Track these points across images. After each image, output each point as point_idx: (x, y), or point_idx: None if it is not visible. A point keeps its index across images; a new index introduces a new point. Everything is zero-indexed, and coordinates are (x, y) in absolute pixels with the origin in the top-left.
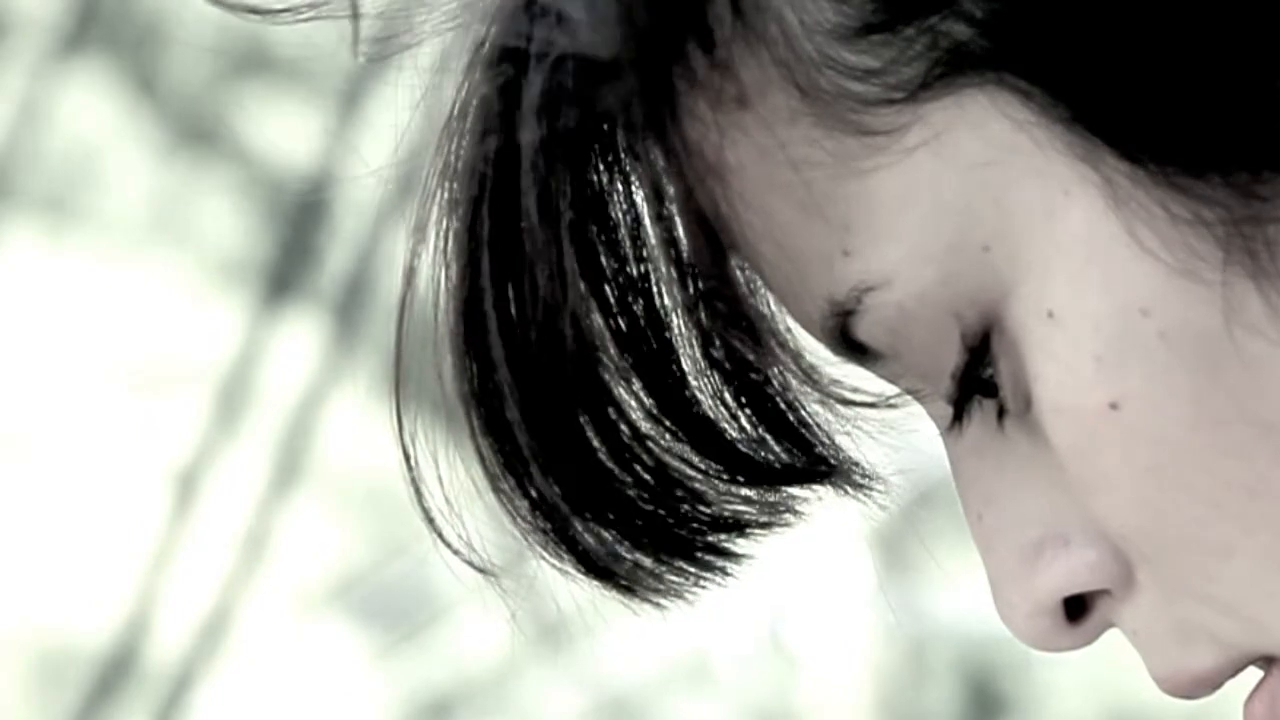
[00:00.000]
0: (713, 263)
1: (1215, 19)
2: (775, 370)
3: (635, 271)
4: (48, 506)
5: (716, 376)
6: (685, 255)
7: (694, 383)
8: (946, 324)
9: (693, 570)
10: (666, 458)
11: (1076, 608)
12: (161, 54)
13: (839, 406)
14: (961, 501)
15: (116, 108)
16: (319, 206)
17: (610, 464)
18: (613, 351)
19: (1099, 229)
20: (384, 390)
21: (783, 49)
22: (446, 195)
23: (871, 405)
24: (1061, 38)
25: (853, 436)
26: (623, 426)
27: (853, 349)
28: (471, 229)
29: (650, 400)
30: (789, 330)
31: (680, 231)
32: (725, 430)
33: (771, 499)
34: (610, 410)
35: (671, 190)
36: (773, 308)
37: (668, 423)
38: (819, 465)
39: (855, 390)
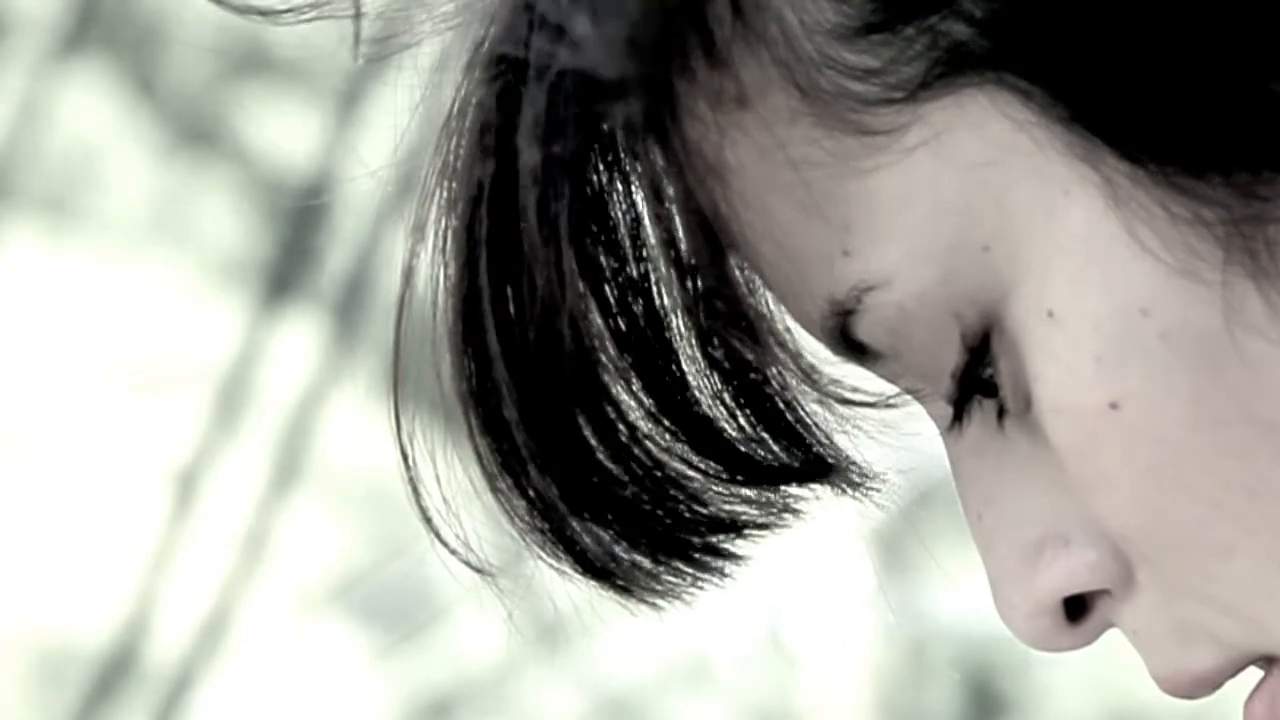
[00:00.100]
0: (712, 262)
1: (1215, 19)
2: (774, 370)
3: (635, 271)
4: (48, 506)
5: (715, 376)
6: (685, 255)
7: (693, 382)
8: (946, 324)
9: (690, 571)
10: (664, 457)
11: (1077, 608)
12: (161, 54)
13: (838, 406)
14: (961, 501)
15: (116, 108)
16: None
17: (608, 464)
18: (612, 351)
19: (1099, 229)
20: (384, 390)
21: (783, 49)
22: (445, 194)
23: (871, 405)
24: (1061, 37)
25: (852, 436)
26: (621, 426)
27: (853, 349)
28: (470, 228)
29: (649, 400)
30: (788, 330)
31: (680, 231)
32: (724, 430)
33: (769, 499)
34: (608, 410)
35: (671, 190)
36: (772, 307)
37: (666, 422)
38: (817, 465)
39: (855, 390)
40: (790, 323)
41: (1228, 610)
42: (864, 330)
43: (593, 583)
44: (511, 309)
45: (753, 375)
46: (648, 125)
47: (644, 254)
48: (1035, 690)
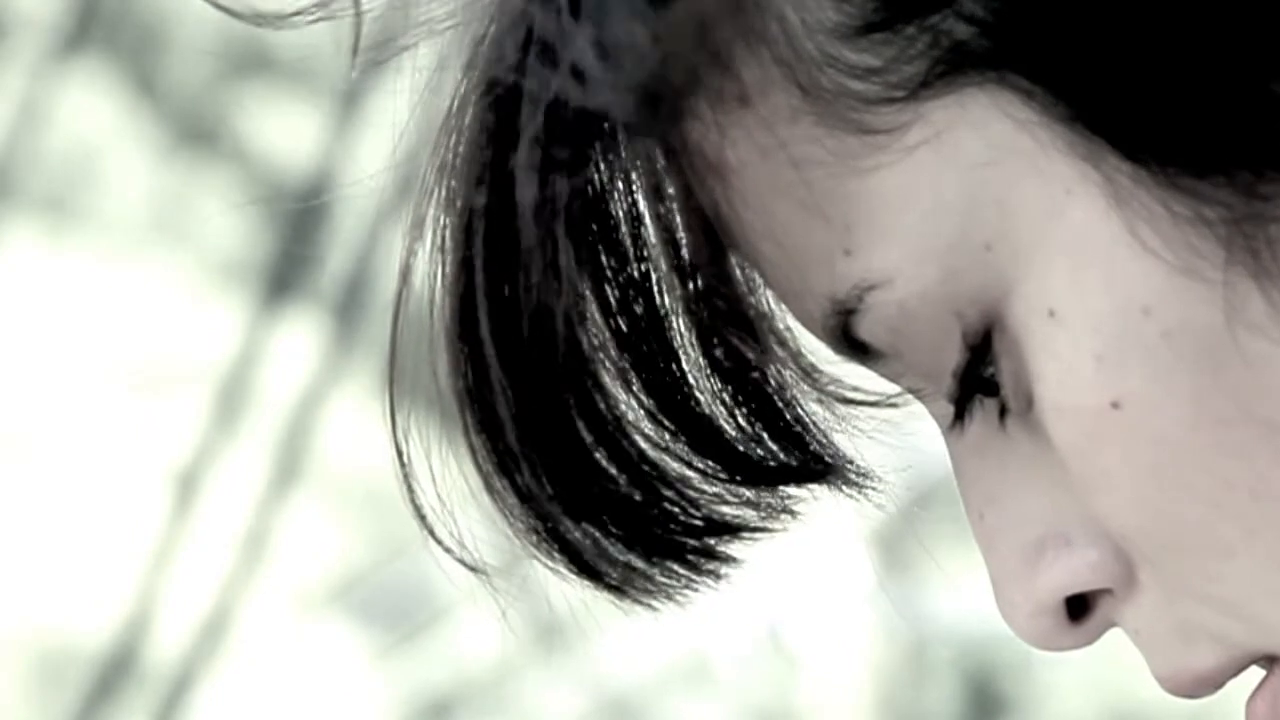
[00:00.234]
0: (713, 261)
1: (1217, 18)
2: (774, 369)
3: (635, 270)
4: (48, 506)
5: (715, 375)
6: (685, 254)
7: (692, 382)
8: (948, 323)
9: (684, 572)
10: (662, 457)
11: (1078, 607)
12: (161, 54)
13: (838, 405)
14: (963, 500)
15: (116, 108)
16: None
17: (603, 463)
18: (611, 351)
19: (1100, 228)
20: (381, 389)
21: (784, 48)
22: (444, 192)
23: (872, 404)
24: (1063, 37)
25: (852, 436)
26: (617, 426)
27: (854, 348)
28: (468, 226)
29: (648, 399)
30: (789, 329)
31: (680, 230)
32: (723, 429)
33: (767, 500)
34: (604, 409)
35: (672, 189)
36: (773, 306)
37: (665, 422)
38: (816, 465)
39: (855, 389)
40: (791, 322)
41: (1229, 610)
42: (865, 329)
43: (587, 583)
44: (508, 308)
45: (753, 375)
46: (648, 126)
47: (644, 253)
48: (1036, 690)
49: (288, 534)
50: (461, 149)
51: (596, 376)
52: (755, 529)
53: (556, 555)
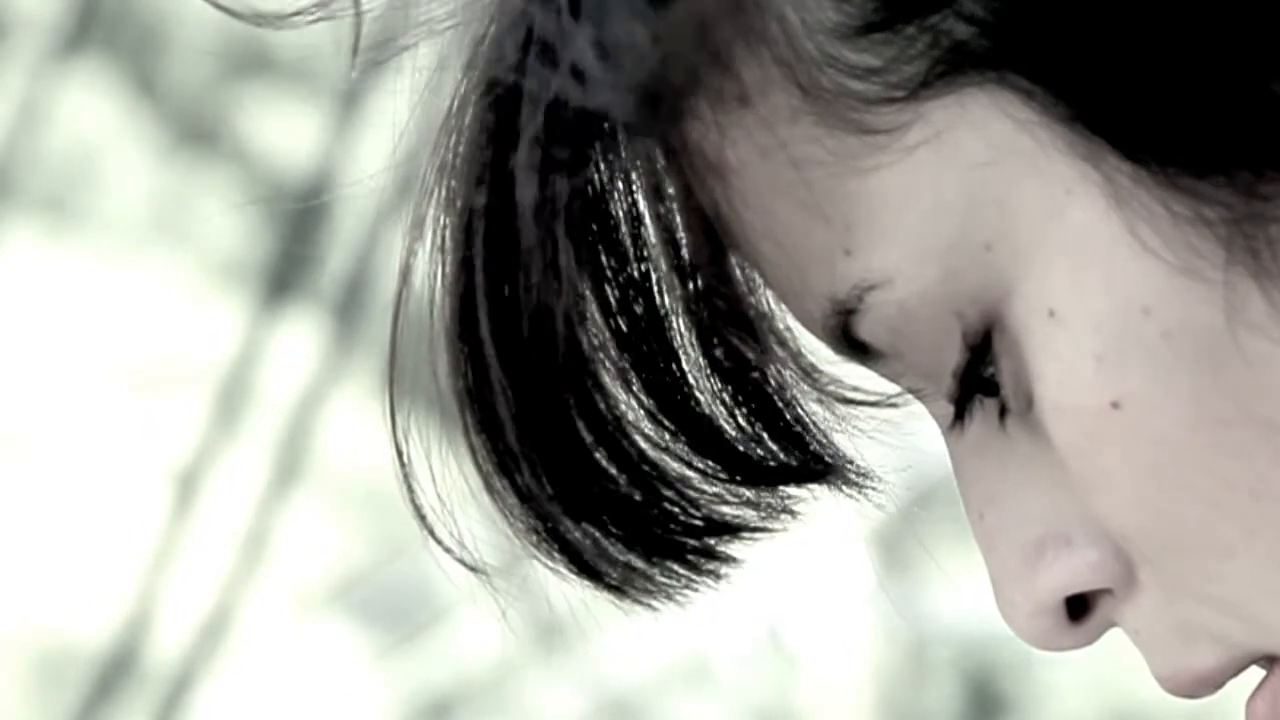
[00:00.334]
0: (713, 261)
1: (1217, 18)
2: (774, 369)
3: (635, 270)
4: (48, 506)
5: (715, 375)
6: (685, 254)
7: (692, 382)
8: (948, 323)
9: (684, 573)
10: (661, 457)
11: (1078, 607)
12: (161, 54)
13: (838, 406)
14: (963, 500)
15: (116, 108)
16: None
17: (603, 463)
18: (611, 351)
19: (1100, 228)
20: (382, 389)
21: (784, 48)
22: (443, 192)
23: (872, 404)
24: (1063, 37)
25: (852, 436)
26: (617, 425)
27: (854, 348)
28: (468, 225)
29: (648, 399)
30: (789, 329)
31: (680, 230)
32: (723, 429)
33: (766, 500)
34: (604, 409)
35: (672, 189)
36: (773, 306)
37: (665, 422)
38: (816, 465)
39: (855, 389)
40: (791, 322)
41: (1229, 610)
42: (865, 329)
43: (587, 583)
44: (508, 307)
45: (753, 375)
46: (648, 126)
47: (644, 253)
48: (1036, 690)
49: (288, 534)
50: (461, 149)
51: (596, 376)
52: (755, 529)
53: (556, 555)
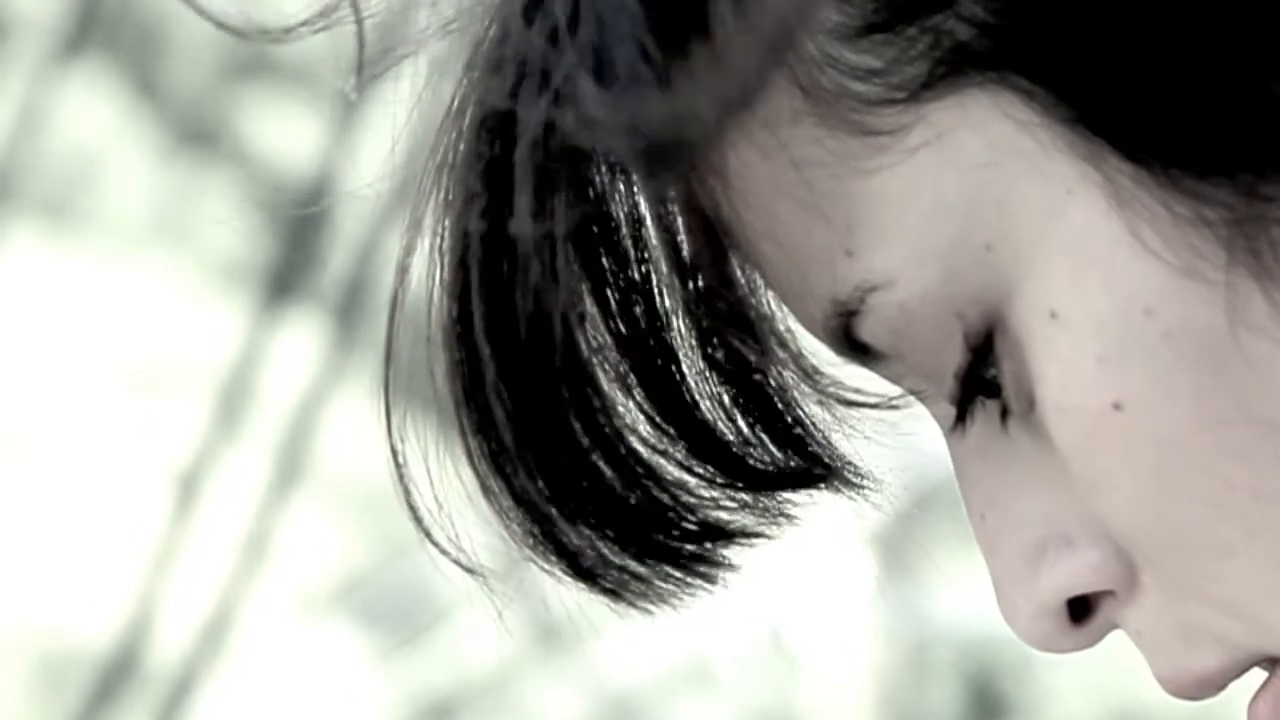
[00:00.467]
0: (714, 263)
1: (1218, 19)
2: (775, 371)
3: (635, 273)
4: (49, 508)
5: (715, 378)
6: (686, 255)
7: (692, 385)
8: (949, 324)
9: (679, 576)
10: (659, 460)
11: (1080, 609)
12: (162, 56)
13: (840, 408)
14: (965, 502)
15: (117, 110)
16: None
17: (600, 466)
18: (610, 353)
19: (1101, 229)
20: (378, 390)
21: (785, 49)
22: (442, 192)
23: (873, 406)
24: (1063, 38)
25: (853, 438)
26: (614, 428)
27: (856, 349)
28: (466, 226)
29: (646, 402)
30: (790, 331)
31: (682, 232)
32: (722, 433)
33: (764, 504)
34: (601, 412)
35: (673, 190)
36: (774, 308)
37: (663, 425)
38: (816, 468)
39: (856, 391)
40: (792, 324)
41: (1231, 611)
42: (867, 331)
43: (582, 586)
44: (505, 309)
45: (753, 377)
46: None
47: (645, 255)
48: (1037, 692)
49: (289, 536)
50: (461, 150)
51: (594, 379)
52: (752, 534)
53: (552, 558)
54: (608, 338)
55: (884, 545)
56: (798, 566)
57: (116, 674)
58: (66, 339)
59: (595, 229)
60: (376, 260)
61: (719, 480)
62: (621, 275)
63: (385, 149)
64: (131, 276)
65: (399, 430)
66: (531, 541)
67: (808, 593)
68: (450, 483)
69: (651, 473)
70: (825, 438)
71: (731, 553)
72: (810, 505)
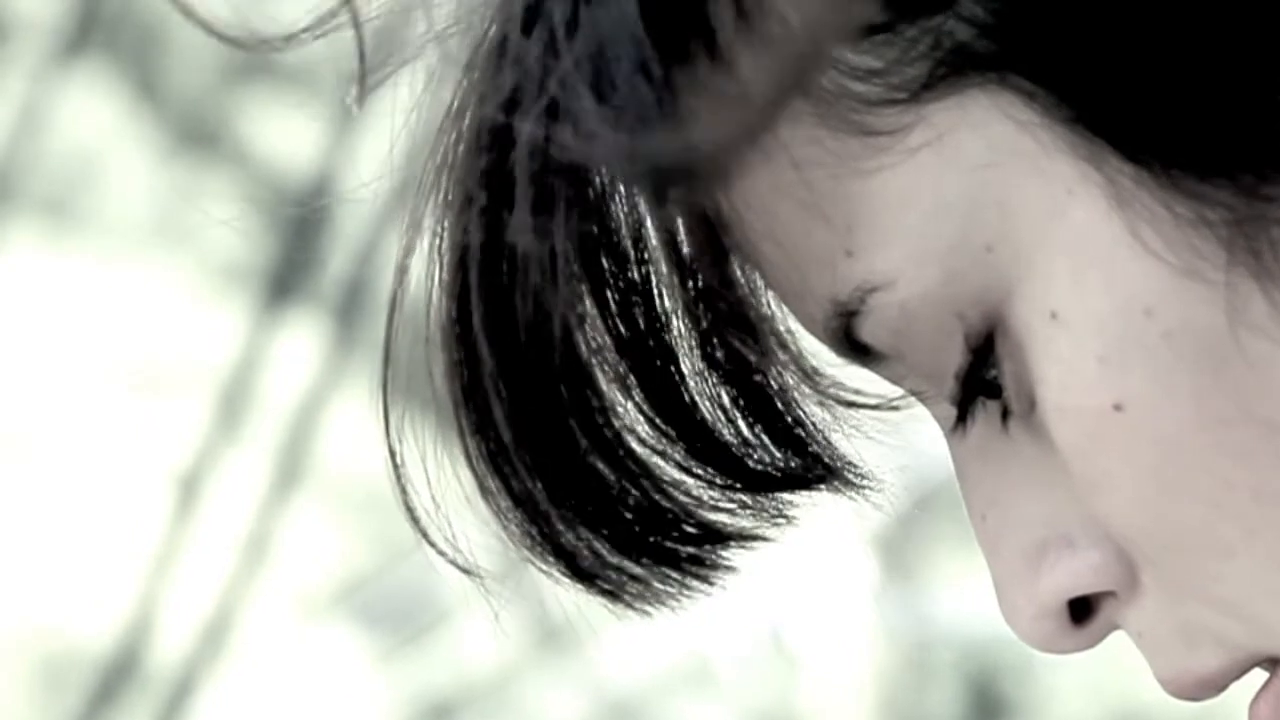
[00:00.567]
0: (714, 263)
1: (1219, 20)
2: (775, 372)
3: (635, 273)
4: (49, 509)
5: (715, 378)
6: (687, 256)
7: (692, 386)
8: (950, 325)
9: (678, 578)
10: (658, 462)
11: (1081, 610)
12: (162, 57)
13: (840, 409)
14: (966, 503)
15: (117, 111)
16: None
17: (599, 466)
18: (609, 354)
19: (1101, 230)
20: (376, 390)
21: (785, 48)
22: (442, 193)
23: (873, 407)
24: (1064, 39)
25: (853, 439)
26: (613, 429)
27: (856, 350)
28: (465, 227)
29: (646, 403)
30: (790, 332)
31: (681, 232)
32: (722, 434)
33: (763, 506)
34: (600, 413)
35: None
36: (775, 309)
37: (663, 426)
38: (816, 469)
39: (857, 392)
40: (793, 324)
41: (1232, 611)
42: (867, 331)
43: (580, 587)
44: (504, 309)
45: (754, 378)
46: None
47: (645, 255)
48: (1038, 692)
49: (289, 537)
50: (460, 150)
51: (593, 380)
52: (751, 536)
53: (550, 559)
54: (607, 338)
55: (885, 546)
56: (798, 567)
57: (117, 675)
58: (67, 340)
59: (595, 230)
60: (377, 261)
61: (718, 481)
62: (621, 276)
63: (385, 150)
64: (131, 277)
65: (397, 431)
66: (529, 542)
67: (808, 593)
68: (448, 483)
69: (650, 474)
70: (825, 438)
71: (731, 554)
72: (811, 506)
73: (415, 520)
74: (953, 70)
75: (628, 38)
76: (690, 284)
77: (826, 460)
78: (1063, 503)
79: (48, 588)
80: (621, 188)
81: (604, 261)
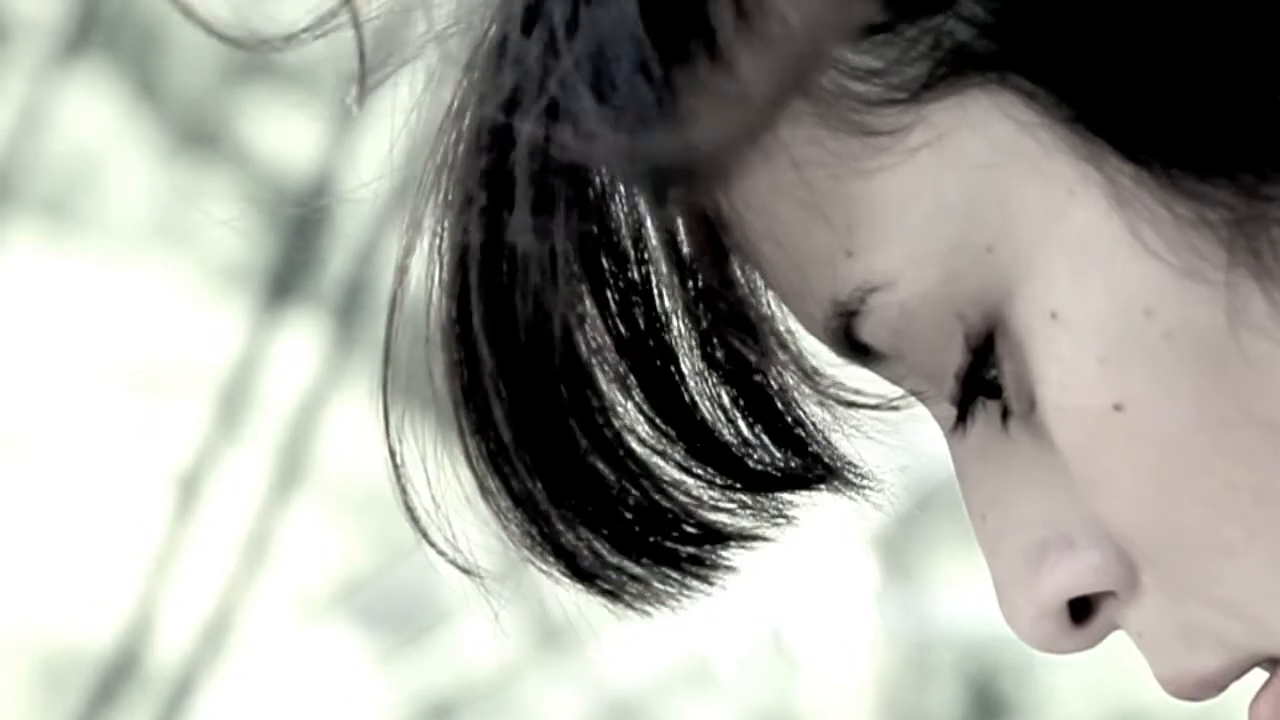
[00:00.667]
0: (714, 263)
1: (1219, 20)
2: (775, 372)
3: (635, 273)
4: (50, 510)
5: (715, 378)
6: (686, 256)
7: (692, 385)
8: (950, 325)
9: (677, 578)
10: (658, 462)
11: (1081, 610)
12: (162, 57)
13: (840, 409)
14: (966, 503)
15: (118, 111)
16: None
17: (599, 466)
18: (609, 354)
19: (1102, 230)
20: (376, 390)
21: (785, 49)
22: (442, 193)
23: (874, 407)
24: (1064, 39)
25: (853, 439)
26: (613, 429)
27: (856, 350)
28: (465, 227)
29: (645, 403)
30: (790, 332)
31: (681, 232)
32: (722, 434)
33: (763, 506)
34: (600, 413)
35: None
36: (775, 309)
37: (663, 426)
38: (816, 469)
39: (857, 392)
40: (793, 324)
41: (1232, 612)
42: (867, 331)
43: (579, 587)
44: (504, 309)
45: (753, 378)
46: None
47: (645, 255)
48: (1038, 693)
49: (290, 538)
50: (460, 150)
51: (593, 379)
52: (751, 536)
53: (550, 559)
54: (607, 338)
55: (885, 546)
56: (799, 567)
57: (117, 675)
58: (67, 340)
59: (595, 229)
60: (377, 261)
61: (718, 481)
62: (621, 276)
63: (385, 150)
64: (132, 277)
65: (397, 431)
66: (529, 542)
67: (808, 594)
68: (448, 483)
69: (650, 473)
70: (825, 438)
71: (731, 554)
72: (811, 506)
73: (415, 520)
74: (953, 70)
75: (628, 38)
76: (690, 284)
77: (827, 460)
78: (1063, 503)
79: (48, 588)
80: (621, 188)
81: (604, 261)
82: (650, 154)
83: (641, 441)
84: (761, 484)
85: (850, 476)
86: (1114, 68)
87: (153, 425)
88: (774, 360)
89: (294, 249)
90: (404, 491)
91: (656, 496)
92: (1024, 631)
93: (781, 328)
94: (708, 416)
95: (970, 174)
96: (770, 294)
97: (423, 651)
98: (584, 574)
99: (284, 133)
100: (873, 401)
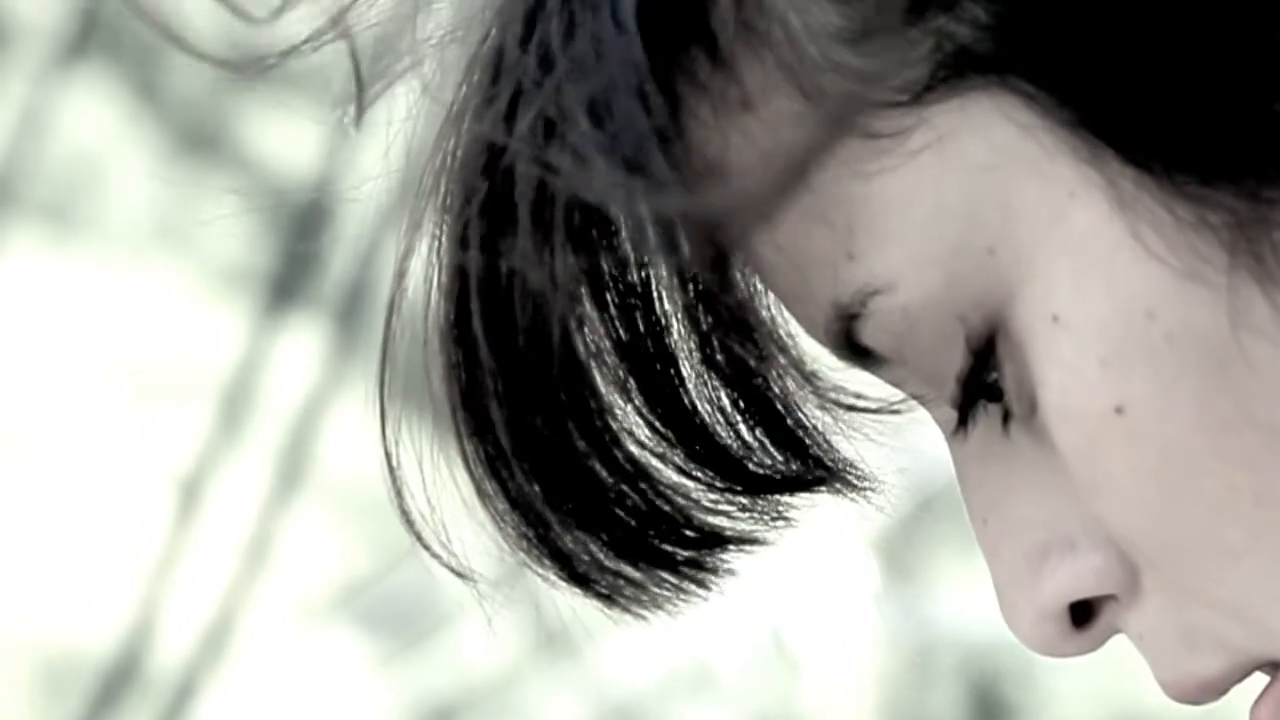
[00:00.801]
0: (714, 266)
1: (1219, 23)
2: (776, 375)
3: (635, 276)
4: (51, 513)
5: (716, 382)
6: (686, 259)
7: (691, 389)
8: (951, 328)
9: (675, 582)
10: (657, 465)
11: (1082, 613)
12: (164, 61)
13: (841, 412)
14: (967, 506)
15: (119, 115)
16: (321, 213)
17: (597, 469)
18: (608, 358)
19: (1103, 232)
20: (373, 392)
21: (786, 52)
22: (442, 196)
23: (875, 411)
24: (1065, 41)
25: (854, 442)
26: (611, 433)
27: (857, 353)
28: (465, 229)
29: (645, 406)
30: (791, 335)
31: (682, 235)
32: (722, 437)
33: (762, 509)
34: (599, 416)
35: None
36: (775, 312)
37: (661, 429)
38: (816, 472)
39: (858, 396)
40: (793, 328)
41: (1234, 615)
42: (869, 335)
43: (577, 591)
44: (503, 312)
45: (754, 381)
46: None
47: (645, 258)
48: (1039, 696)
49: (291, 541)
50: (460, 153)
51: (592, 383)
52: (751, 539)
53: (546, 562)
54: (606, 341)
55: (886, 549)
56: (799, 570)
57: (118, 679)
58: (68, 343)
59: (595, 232)
60: (378, 264)
61: (718, 484)
62: (621, 279)
63: (388, 154)
64: (133, 281)
65: (394, 434)
66: (525, 545)
67: (809, 597)
68: (446, 486)
69: (649, 476)
70: (826, 441)
71: (729, 557)
72: (812, 509)
73: (410, 523)
74: (954, 72)
75: (623, 60)
76: (690, 287)
77: (827, 463)
78: (1064, 506)
79: (49, 591)
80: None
81: (603, 264)
82: (659, 208)
83: (640, 444)
84: (762, 487)
85: (851, 479)
86: (1115, 70)
87: (154, 428)
88: (774, 363)
89: (295, 252)
90: (399, 494)
91: (655, 499)
92: (1025, 635)
93: (782, 331)
94: (707, 419)
95: (971, 176)
96: (771, 297)
97: (424, 655)
98: (580, 578)
99: (285, 136)
100: (874, 404)
